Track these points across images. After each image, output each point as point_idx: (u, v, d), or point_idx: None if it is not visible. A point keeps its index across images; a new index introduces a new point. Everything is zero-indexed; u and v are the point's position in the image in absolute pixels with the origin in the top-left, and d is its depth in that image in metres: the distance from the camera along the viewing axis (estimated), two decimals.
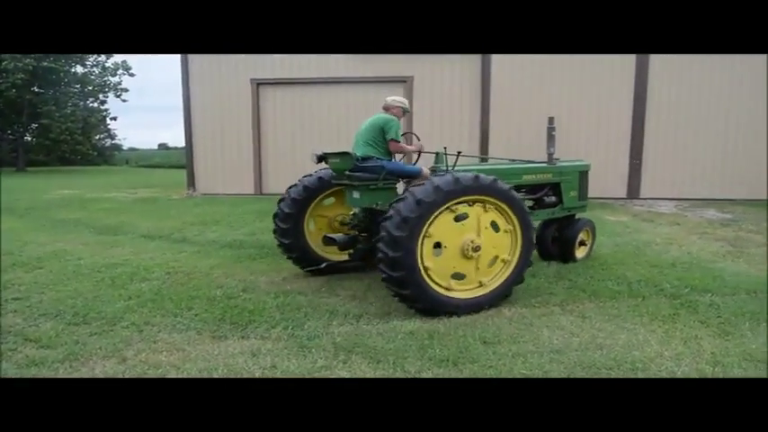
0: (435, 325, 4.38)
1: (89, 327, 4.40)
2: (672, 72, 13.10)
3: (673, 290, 5.31)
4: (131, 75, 42.91)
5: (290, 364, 3.67)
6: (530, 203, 6.15)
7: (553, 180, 6.42)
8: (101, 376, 3.50)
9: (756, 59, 12.62)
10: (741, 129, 13.07)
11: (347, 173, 5.39)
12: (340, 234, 5.83)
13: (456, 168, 5.16)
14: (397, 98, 5.85)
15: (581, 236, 6.62)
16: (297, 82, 14.51)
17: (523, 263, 4.95)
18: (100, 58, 38.27)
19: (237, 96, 14.63)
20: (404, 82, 14.09)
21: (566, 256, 6.52)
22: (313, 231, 6.13)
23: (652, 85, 13.21)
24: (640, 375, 3.47)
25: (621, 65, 13.15)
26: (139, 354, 3.87)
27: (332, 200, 6.21)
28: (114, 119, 51.95)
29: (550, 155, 6.46)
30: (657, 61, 13.08)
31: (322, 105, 14.60)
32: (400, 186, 5.74)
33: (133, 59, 59.97)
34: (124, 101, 44.05)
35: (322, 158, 5.51)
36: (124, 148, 55.18)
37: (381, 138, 5.47)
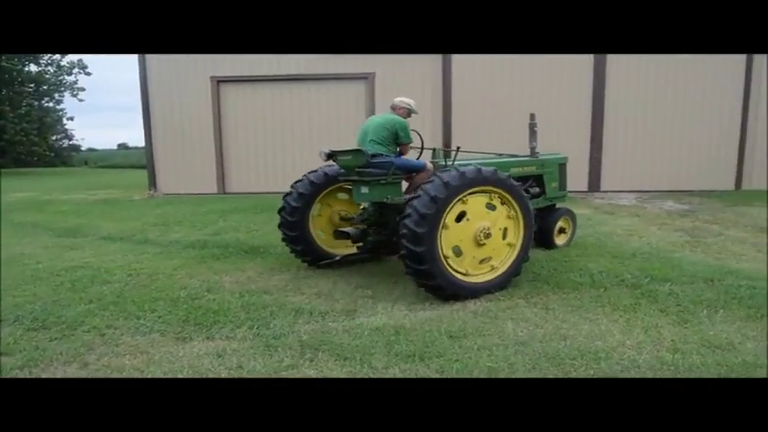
0: (401, 321, 4.41)
1: (49, 332, 4.28)
2: (629, 71, 13.42)
3: (633, 280, 5.43)
4: (88, 74, 41.61)
5: (256, 363, 3.64)
6: None
7: (536, 172, 6.83)
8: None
9: (708, 58, 13.00)
10: (695, 123, 13.49)
11: (357, 169, 5.57)
12: (351, 228, 6.03)
13: (456, 163, 5.55)
14: (404, 99, 6.11)
15: (560, 223, 7.00)
16: (258, 79, 14.34)
17: (527, 244, 5.36)
18: (54, 57, 37.25)
19: (197, 94, 14.40)
20: (365, 79, 14.07)
21: (546, 243, 6.84)
22: (317, 225, 6.35)
23: (609, 83, 13.52)
24: (603, 365, 3.53)
25: (581, 64, 13.40)
26: (102, 358, 3.79)
27: (336, 195, 6.47)
28: (71, 119, 50.75)
29: (533, 149, 6.87)
30: (614, 60, 13.38)
31: (284, 103, 14.47)
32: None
33: (89, 57, 58.32)
34: (81, 100, 43.17)
35: (330, 156, 5.68)
36: (83, 148, 53.52)
37: (391, 138, 5.73)
